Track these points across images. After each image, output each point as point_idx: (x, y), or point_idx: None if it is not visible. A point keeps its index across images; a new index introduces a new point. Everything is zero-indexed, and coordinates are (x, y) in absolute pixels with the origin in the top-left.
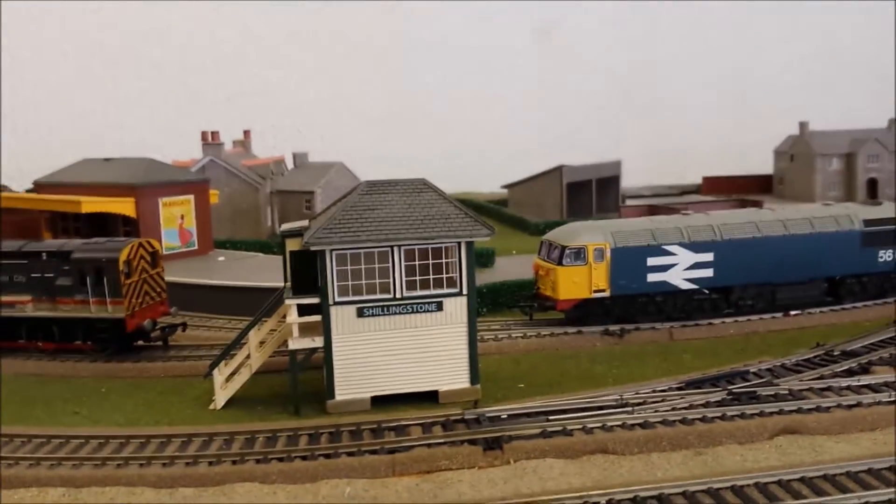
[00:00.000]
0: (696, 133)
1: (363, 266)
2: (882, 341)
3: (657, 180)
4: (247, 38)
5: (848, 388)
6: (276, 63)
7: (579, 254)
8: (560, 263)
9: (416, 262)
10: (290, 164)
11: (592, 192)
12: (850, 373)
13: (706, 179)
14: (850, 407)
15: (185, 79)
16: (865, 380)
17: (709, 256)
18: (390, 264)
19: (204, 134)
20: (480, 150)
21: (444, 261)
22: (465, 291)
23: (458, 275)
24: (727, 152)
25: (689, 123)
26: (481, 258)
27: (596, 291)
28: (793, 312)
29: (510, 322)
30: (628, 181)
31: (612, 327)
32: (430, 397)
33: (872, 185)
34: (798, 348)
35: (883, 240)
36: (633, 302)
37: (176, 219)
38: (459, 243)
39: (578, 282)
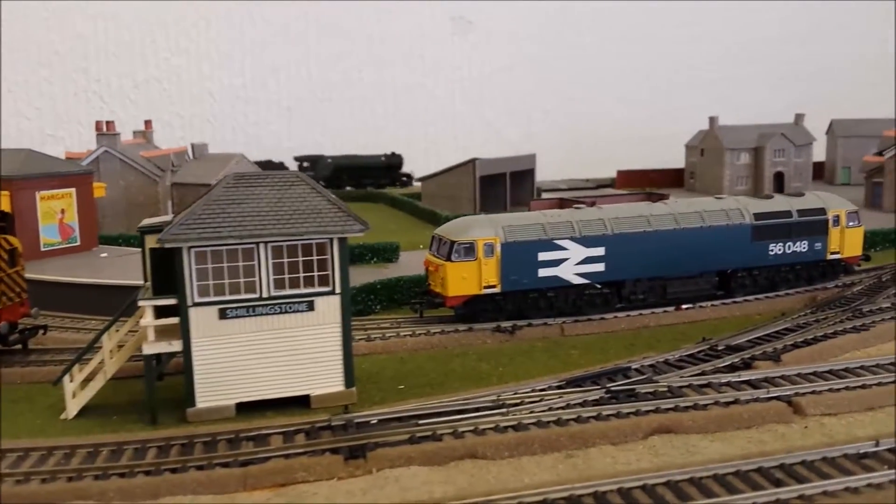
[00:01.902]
0: (618, 126)
1: (226, 264)
2: (768, 335)
3: (580, 173)
4: (154, 24)
5: (728, 384)
6: (186, 50)
7: (469, 249)
8: (449, 259)
9: (285, 260)
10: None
11: (506, 185)
12: (732, 368)
13: (620, 173)
14: (727, 404)
15: (88, 66)
16: (746, 375)
17: (600, 251)
18: (256, 262)
19: (98, 124)
20: (399, 140)
21: (315, 258)
22: (338, 290)
23: (330, 272)
24: (648, 145)
25: (611, 117)
26: (385, 253)
27: (486, 287)
28: (684, 306)
29: (401, 320)
30: (551, 174)
31: (504, 324)
32: (303, 402)
33: (779, 179)
34: (686, 343)
35: (773, 233)
36: (524, 297)
37: (55, 213)
38: (331, 239)
39: (468, 277)
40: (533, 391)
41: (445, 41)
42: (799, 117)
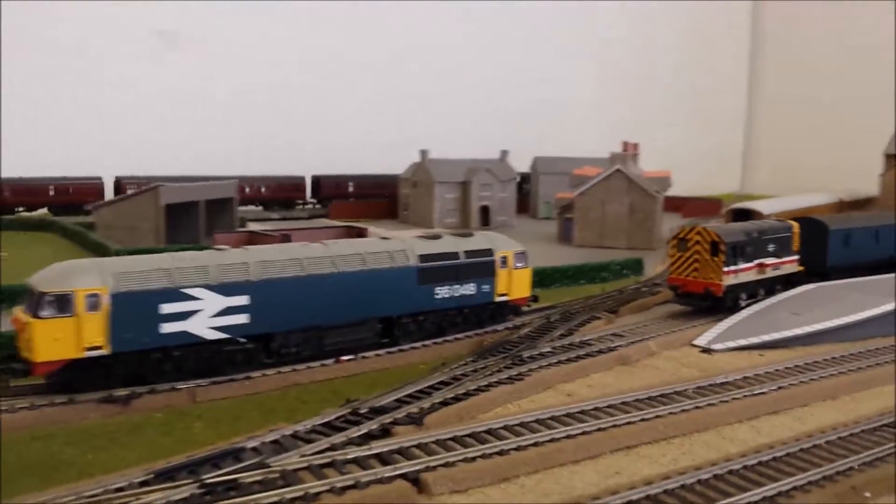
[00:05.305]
0: (354, 154)
1: None
2: (420, 391)
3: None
4: None
5: (355, 460)
6: None
7: (64, 302)
8: (37, 315)
9: None
10: None
11: (200, 214)
12: (368, 437)
13: (334, 204)
14: (343, 490)
15: None
16: (378, 447)
17: (243, 300)
18: None
19: None
20: (101, 164)
21: None
22: None
23: None
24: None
25: (345, 145)
26: (18, 297)
27: (90, 349)
28: (345, 358)
29: None
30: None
31: (118, 392)
32: None
33: (485, 212)
34: (337, 402)
35: (440, 276)
36: (143, 359)
37: None
38: None
39: (63, 338)
40: (105, 491)
41: (148, 59)
42: (504, 153)
